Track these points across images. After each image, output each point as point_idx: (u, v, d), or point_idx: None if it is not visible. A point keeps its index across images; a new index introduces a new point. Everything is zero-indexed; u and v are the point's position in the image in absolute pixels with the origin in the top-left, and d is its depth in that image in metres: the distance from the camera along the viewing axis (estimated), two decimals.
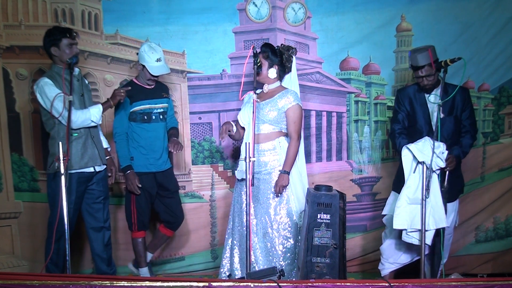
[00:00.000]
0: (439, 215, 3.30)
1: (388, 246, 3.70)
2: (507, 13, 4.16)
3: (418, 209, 3.28)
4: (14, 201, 4.08)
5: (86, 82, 3.69)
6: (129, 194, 3.74)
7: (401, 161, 3.41)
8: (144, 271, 3.88)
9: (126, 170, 3.69)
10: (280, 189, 3.45)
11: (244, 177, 3.20)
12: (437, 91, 3.47)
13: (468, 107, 3.56)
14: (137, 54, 3.68)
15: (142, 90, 3.72)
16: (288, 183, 3.47)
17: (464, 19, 4.18)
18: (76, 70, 3.56)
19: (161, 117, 3.77)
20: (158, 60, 3.62)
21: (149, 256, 3.96)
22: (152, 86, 3.76)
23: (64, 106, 3.29)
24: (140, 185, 3.68)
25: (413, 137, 3.56)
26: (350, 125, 4.37)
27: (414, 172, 3.32)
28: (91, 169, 3.53)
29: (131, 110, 3.68)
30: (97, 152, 3.55)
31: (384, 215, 3.73)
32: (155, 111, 3.74)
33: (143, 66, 3.64)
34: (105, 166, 3.64)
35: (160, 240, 3.97)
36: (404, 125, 3.65)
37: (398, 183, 3.63)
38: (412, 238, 3.37)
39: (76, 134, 3.44)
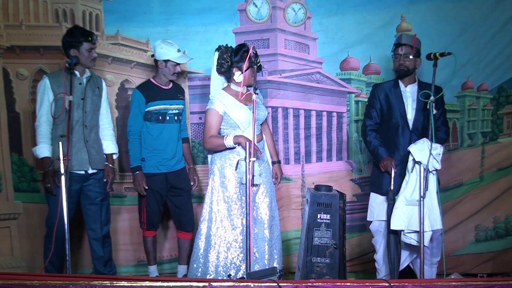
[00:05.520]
0: (434, 217, 3.31)
1: (381, 255, 3.69)
2: (507, 13, 4.18)
3: (414, 210, 3.30)
4: (14, 201, 4.06)
5: (97, 86, 3.63)
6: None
7: (375, 161, 3.54)
8: (153, 269, 3.90)
9: (135, 170, 3.69)
10: (280, 178, 3.67)
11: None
12: (412, 87, 3.57)
13: (441, 106, 3.58)
14: (152, 56, 3.71)
15: (159, 90, 3.74)
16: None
17: (464, 19, 4.20)
18: (87, 73, 3.56)
19: (175, 118, 3.78)
20: (179, 50, 3.67)
21: (184, 269, 3.90)
22: (169, 87, 3.78)
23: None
24: (146, 187, 3.69)
25: (389, 132, 3.59)
26: (350, 125, 4.38)
27: (411, 172, 3.34)
28: (82, 171, 3.53)
29: (146, 110, 3.69)
30: (87, 157, 3.52)
31: (371, 221, 3.71)
32: (170, 111, 3.74)
33: (166, 62, 3.66)
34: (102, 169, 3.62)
35: (183, 248, 3.91)
36: (376, 121, 3.65)
37: (375, 183, 3.66)
38: (410, 239, 3.39)
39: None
